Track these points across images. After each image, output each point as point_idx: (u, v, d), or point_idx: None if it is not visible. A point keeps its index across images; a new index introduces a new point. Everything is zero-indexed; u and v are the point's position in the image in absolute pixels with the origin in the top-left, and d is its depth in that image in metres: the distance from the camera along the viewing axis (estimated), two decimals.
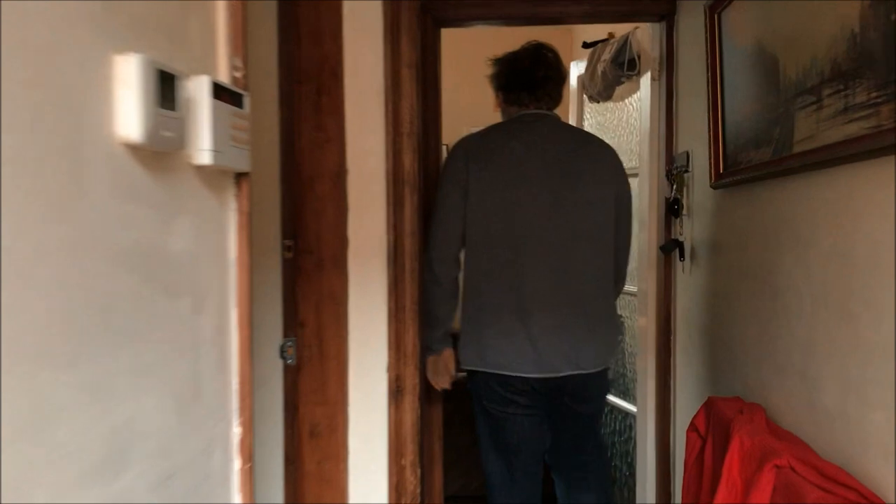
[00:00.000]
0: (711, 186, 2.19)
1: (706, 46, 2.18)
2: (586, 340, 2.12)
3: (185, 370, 0.96)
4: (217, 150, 0.98)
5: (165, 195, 0.90)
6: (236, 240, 1.10)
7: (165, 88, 0.85)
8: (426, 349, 2.16)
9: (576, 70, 3.60)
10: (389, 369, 1.92)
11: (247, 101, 1.10)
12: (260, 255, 1.91)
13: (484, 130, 2.26)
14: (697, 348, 2.48)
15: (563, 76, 2.29)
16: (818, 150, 1.50)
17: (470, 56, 5.91)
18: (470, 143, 2.18)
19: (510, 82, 2.26)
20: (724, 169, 2.12)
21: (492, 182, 2.08)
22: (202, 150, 0.96)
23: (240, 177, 1.12)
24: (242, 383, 1.09)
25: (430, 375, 2.21)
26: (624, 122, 3.18)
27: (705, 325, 2.37)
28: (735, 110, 2.06)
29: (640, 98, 2.96)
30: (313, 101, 1.90)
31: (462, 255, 2.14)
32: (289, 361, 1.92)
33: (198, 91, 0.95)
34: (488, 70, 2.35)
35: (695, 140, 2.50)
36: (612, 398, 3.24)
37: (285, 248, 1.91)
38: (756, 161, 1.88)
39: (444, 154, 6.42)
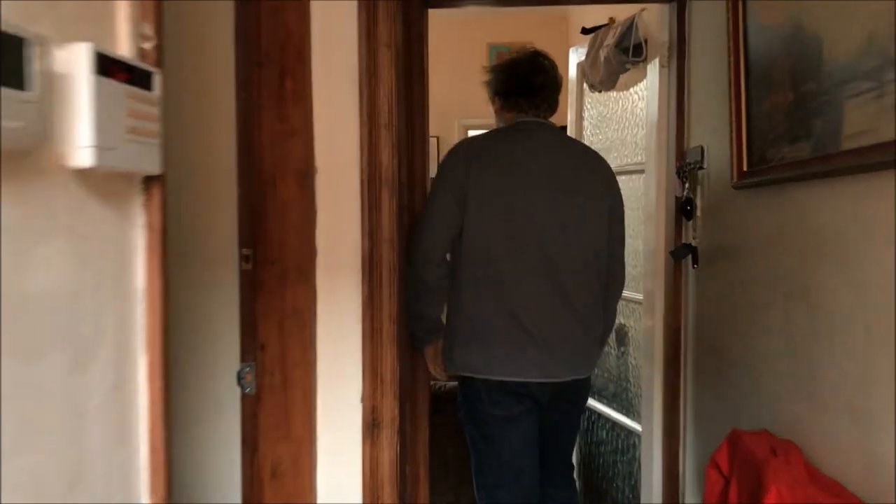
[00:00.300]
0: (733, 186, 1.93)
1: (728, 27, 1.91)
2: (583, 347, 2.15)
3: (55, 455, 0.69)
4: (106, 147, 0.71)
5: (17, 214, 0.63)
6: (145, 265, 0.83)
7: (8, 57, 0.58)
8: (419, 339, 2.17)
9: (575, 57, 3.33)
10: (364, 399, 1.65)
11: (157, 81, 0.82)
12: (213, 266, 1.64)
13: (485, 135, 2.26)
14: (713, 366, 2.22)
15: (559, 84, 2.29)
16: (879, 148, 1.24)
17: (461, 42, 5.64)
18: (472, 147, 2.16)
19: (508, 88, 2.26)
20: (749, 167, 1.86)
21: (495, 187, 2.07)
22: (81, 148, 0.69)
23: (149, 182, 0.85)
24: (154, 453, 0.82)
25: (432, 367, 2.21)
26: (629, 113, 2.91)
27: (723, 340, 2.12)
28: (762, 100, 1.80)
29: (647, 87, 2.70)
30: (276, 86, 1.63)
31: (453, 259, 2.14)
32: (247, 390, 1.65)
33: (71, 64, 0.68)
34: (484, 77, 2.36)
35: (710, 133, 2.24)
36: (614, 414, 2.99)
37: (243, 259, 1.64)
38: (790, 158, 1.61)
39: (433, 148, 6.15)
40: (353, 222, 1.65)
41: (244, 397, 1.66)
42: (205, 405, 1.67)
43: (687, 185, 2.35)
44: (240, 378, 1.65)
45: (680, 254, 2.34)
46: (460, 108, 5.80)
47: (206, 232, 1.65)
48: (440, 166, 2.16)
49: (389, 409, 1.66)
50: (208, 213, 1.65)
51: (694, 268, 2.29)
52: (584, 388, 2.26)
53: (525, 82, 2.23)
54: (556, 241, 2.07)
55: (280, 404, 1.65)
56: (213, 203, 1.65)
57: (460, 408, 2.21)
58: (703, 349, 2.31)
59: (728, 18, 1.91)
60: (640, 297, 2.81)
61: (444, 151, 6.09)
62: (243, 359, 1.65)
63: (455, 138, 5.86)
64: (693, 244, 2.30)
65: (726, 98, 1.95)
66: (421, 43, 2.41)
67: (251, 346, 1.65)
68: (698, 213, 2.30)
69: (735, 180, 1.91)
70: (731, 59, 1.90)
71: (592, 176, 2.20)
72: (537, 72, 2.25)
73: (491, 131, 2.28)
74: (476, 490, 2.22)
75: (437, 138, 5.82)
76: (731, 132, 1.92)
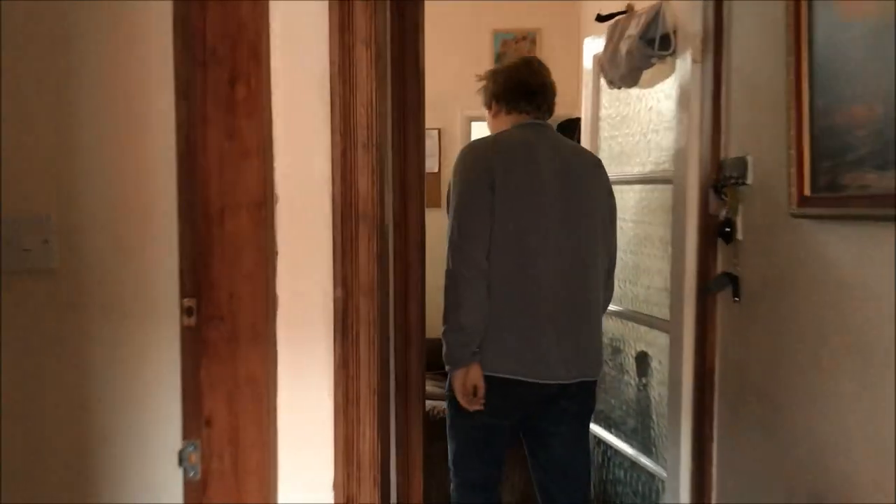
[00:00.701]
0: (792, 214, 1.58)
1: (789, 20, 1.56)
2: (593, 348, 2.20)
3: None
4: None
5: None
6: None
7: None
8: (455, 360, 2.10)
9: (591, 48, 2.97)
10: (337, 488, 1.32)
11: None
12: (147, 320, 1.31)
13: (495, 136, 2.29)
14: (755, 414, 1.89)
15: (555, 89, 2.35)
16: None
17: (463, 29, 5.26)
18: (489, 145, 2.22)
19: (508, 90, 2.30)
20: (815, 191, 1.52)
21: (517, 187, 2.11)
22: None
23: None
24: None
25: (460, 396, 2.12)
26: (654, 114, 2.56)
27: (772, 388, 1.78)
28: (832, 111, 1.45)
29: (676, 85, 2.35)
30: (225, 93, 1.28)
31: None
32: (191, 474, 1.32)
33: None
34: (478, 85, 2.41)
35: (756, 144, 1.89)
36: (633, 453, 2.66)
37: (185, 312, 1.30)
38: (881, 189, 1.27)
39: (435, 142, 5.78)
40: (322, 267, 1.31)
41: (187, 483, 1.33)
42: (137, 491, 1.34)
43: (727, 203, 2.01)
44: (182, 459, 1.32)
45: (718, 286, 2.00)
46: (463, 99, 5.41)
47: (137, 279, 1.31)
48: (460, 163, 2.19)
49: (368, 499, 1.33)
50: (140, 254, 1.31)
51: (735, 300, 1.95)
52: (592, 391, 2.25)
53: (525, 84, 2.28)
54: (569, 240, 2.12)
55: (230, 492, 1.32)
56: (146, 242, 1.31)
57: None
58: (742, 393, 1.98)
59: (790, 10, 1.55)
60: (662, 316, 2.48)
61: (446, 145, 5.78)
62: (186, 436, 1.32)
63: (458, 131, 5.50)
64: (734, 273, 1.96)
65: (780, 104, 1.61)
66: (416, 34, 2.06)
67: (195, 420, 1.31)
68: (739, 236, 1.96)
69: (795, 206, 1.57)
70: (793, 58, 1.55)
71: (594, 174, 2.26)
72: (535, 74, 2.31)
73: (499, 133, 2.28)
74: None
75: (439, 130, 5.47)
76: (789, 147, 1.57)
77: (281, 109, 1.30)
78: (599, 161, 2.34)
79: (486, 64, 5.42)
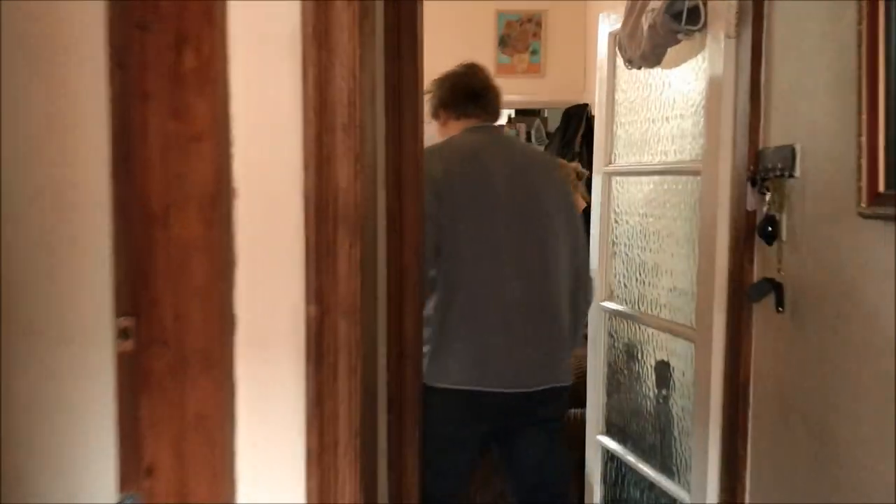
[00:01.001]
0: (861, 213, 1.32)
1: None
2: (560, 353, 2.18)
3: None
4: None
5: None
6: None
7: None
8: None
9: (606, 25, 2.70)
10: None
11: None
12: (74, 344, 1.05)
13: (443, 142, 2.30)
14: (801, 443, 1.64)
15: (498, 92, 2.36)
16: None
17: (465, 9, 4.97)
18: (435, 151, 2.16)
19: (454, 94, 2.33)
20: (890, 187, 1.26)
21: (466, 193, 2.12)
22: None
23: None
24: None
25: None
26: (678, 97, 2.29)
27: (823, 418, 1.53)
28: None
29: (706, 64, 2.08)
30: (169, 62, 1.02)
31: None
32: None
33: None
34: (427, 95, 2.32)
35: (807, 130, 1.63)
36: (652, 472, 2.41)
37: (121, 334, 1.05)
38: None
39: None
40: (292, 279, 1.05)
41: None
42: None
43: (768, 199, 1.75)
44: None
45: (759, 293, 1.74)
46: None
47: (61, 293, 1.05)
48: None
49: None
50: (65, 263, 1.05)
51: (779, 311, 1.70)
52: (565, 396, 2.23)
53: (470, 87, 2.31)
54: (525, 242, 2.12)
55: None
56: (72, 248, 1.05)
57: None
58: (785, 417, 1.73)
59: None
60: (686, 322, 2.23)
61: None
62: (123, 487, 1.07)
63: None
64: (777, 280, 1.70)
65: (845, 82, 1.35)
66: (413, 2, 1.80)
67: (134, 468, 1.06)
68: (784, 237, 1.70)
69: (865, 204, 1.31)
70: (866, 26, 1.29)
71: (551, 180, 2.28)
72: (478, 77, 2.35)
73: (453, 137, 2.28)
74: None
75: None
76: (858, 134, 1.31)
77: (240, 82, 1.04)
78: (555, 163, 2.42)
79: (490, 47, 5.16)
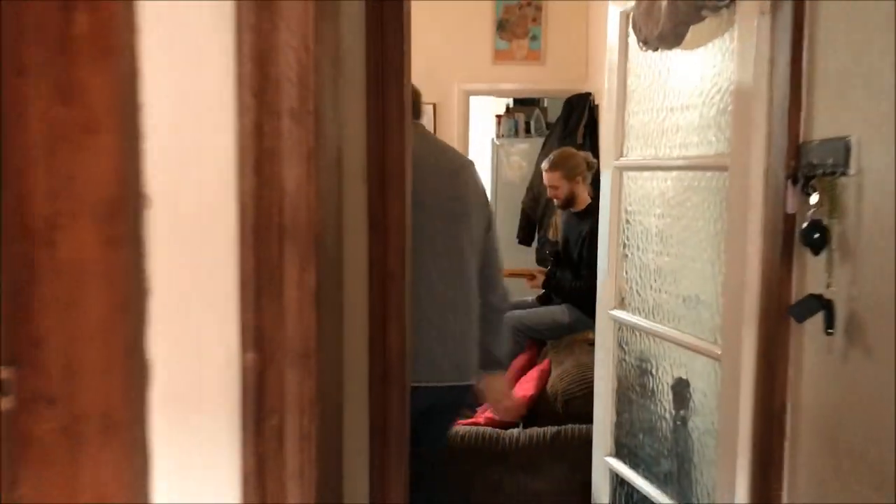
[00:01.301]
0: None
1: None
2: (471, 351, 2.17)
3: None
4: None
5: None
6: None
7: None
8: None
9: (617, 3, 2.43)
10: None
11: None
12: None
13: None
14: (852, 489, 1.39)
15: (418, 91, 2.18)
16: None
17: None
18: None
19: None
20: None
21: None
22: None
23: None
24: None
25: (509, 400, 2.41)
26: (703, 81, 2.02)
27: (882, 456, 1.28)
28: None
29: (735, 45, 1.82)
30: (56, 26, 0.76)
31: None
32: None
33: None
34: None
35: (865, 120, 1.37)
36: (660, 498, 2.15)
37: None
38: None
39: (430, 119, 5.23)
40: (224, 314, 0.79)
41: None
42: None
43: (814, 200, 1.49)
44: None
45: (805, 312, 1.48)
46: (460, 72, 4.88)
47: None
48: None
49: None
50: None
51: (828, 333, 1.44)
52: (467, 395, 2.27)
53: None
54: (443, 241, 2.12)
55: None
56: None
57: None
58: (834, 455, 1.47)
59: None
60: (708, 338, 1.97)
61: (441, 121, 5.23)
62: None
63: (454, 106, 4.97)
64: (826, 296, 1.44)
65: None
66: None
67: None
68: (835, 245, 1.44)
69: None
70: None
71: (464, 180, 2.22)
72: None
73: None
74: None
75: (434, 105, 4.94)
76: None
77: (152, 53, 0.78)
78: (469, 162, 2.31)
79: (487, 32, 4.89)
